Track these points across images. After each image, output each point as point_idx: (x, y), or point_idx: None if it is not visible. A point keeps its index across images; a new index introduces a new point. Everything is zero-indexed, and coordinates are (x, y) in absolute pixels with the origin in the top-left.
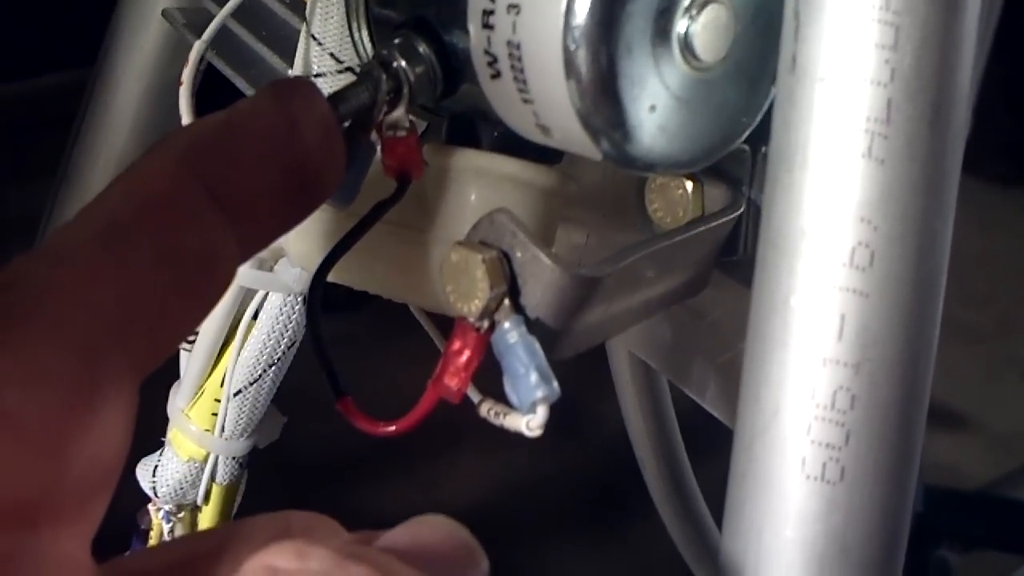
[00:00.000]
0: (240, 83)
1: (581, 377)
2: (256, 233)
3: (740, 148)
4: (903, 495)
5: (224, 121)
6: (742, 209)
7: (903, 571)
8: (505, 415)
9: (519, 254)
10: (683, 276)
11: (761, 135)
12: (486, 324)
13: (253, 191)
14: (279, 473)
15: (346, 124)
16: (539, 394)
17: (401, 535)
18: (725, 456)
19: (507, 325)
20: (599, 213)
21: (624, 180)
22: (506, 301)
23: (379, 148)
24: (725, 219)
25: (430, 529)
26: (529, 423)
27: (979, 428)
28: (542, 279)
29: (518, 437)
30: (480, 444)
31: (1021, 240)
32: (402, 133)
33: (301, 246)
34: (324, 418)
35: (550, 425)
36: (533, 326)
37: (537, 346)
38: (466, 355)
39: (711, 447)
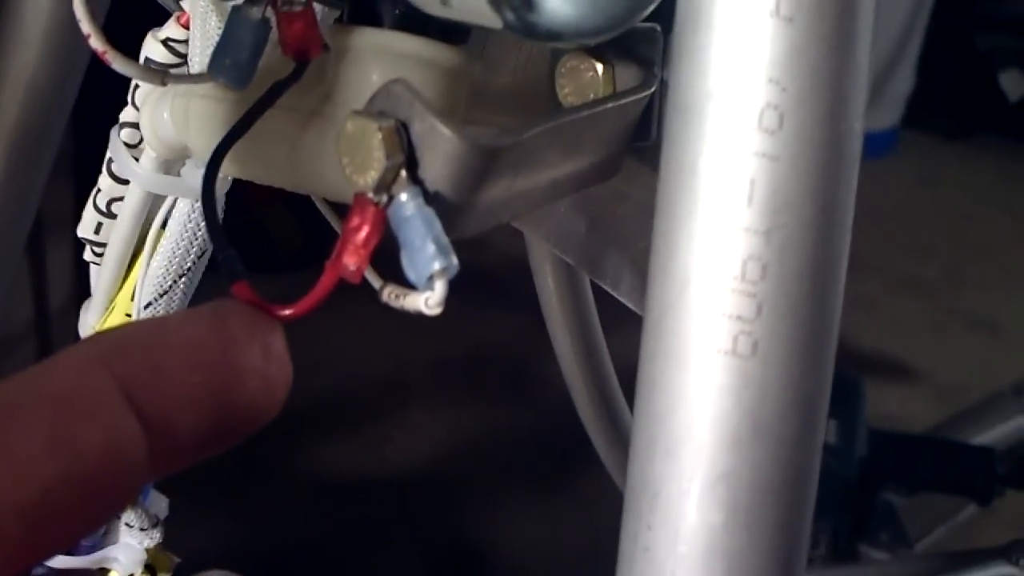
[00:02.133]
0: None
1: (527, 338)
2: (171, 448)
3: (652, 28)
4: (820, 371)
5: (153, 324)
6: (653, 88)
7: (848, 514)
8: (405, 296)
9: (417, 124)
10: (593, 156)
11: (673, 15)
12: (384, 198)
13: (171, 398)
14: None
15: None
16: (436, 266)
17: None
18: None
19: (404, 197)
20: (510, 114)
21: (536, 77)
22: (403, 173)
23: (275, 26)
24: (635, 97)
25: None
26: (428, 301)
27: (926, 379)
28: (440, 150)
29: (465, 394)
30: (428, 402)
31: (965, 193)
32: (298, 8)
33: (203, 139)
34: None
35: (498, 384)
36: (432, 199)
37: (435, 219)
38: (365, 231)
39: None
